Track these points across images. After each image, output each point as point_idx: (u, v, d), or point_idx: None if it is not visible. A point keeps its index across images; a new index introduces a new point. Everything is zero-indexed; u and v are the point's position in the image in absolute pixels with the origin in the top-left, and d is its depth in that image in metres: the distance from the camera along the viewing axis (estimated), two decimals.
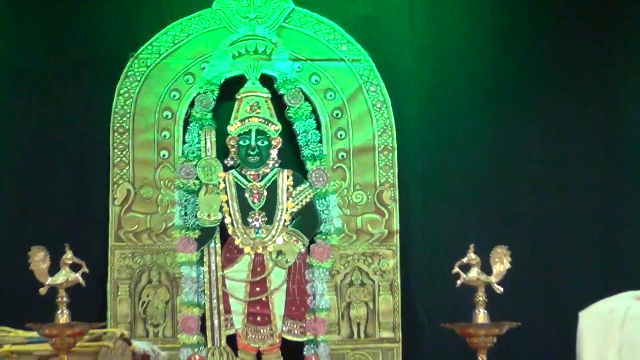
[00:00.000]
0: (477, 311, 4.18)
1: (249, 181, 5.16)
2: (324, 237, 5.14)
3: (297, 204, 5.16)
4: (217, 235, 5.11)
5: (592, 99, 5.39)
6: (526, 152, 5.38)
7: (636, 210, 5.29)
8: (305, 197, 5.18)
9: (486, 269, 4.40)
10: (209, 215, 5.08)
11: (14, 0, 5.33)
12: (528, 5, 5.42)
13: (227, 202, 5.13)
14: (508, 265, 4.38)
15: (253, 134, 5.15)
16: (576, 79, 5.38)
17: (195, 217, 5.08)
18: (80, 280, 4.38)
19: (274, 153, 5.20)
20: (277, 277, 5.09)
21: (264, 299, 5.05)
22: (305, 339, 5.06)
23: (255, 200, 5.14)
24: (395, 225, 5.19)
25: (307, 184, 5.17)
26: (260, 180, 5.18)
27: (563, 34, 5.42)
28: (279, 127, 5.18)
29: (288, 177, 5.19)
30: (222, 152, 5.21)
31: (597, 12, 5.42)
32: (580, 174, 5.33)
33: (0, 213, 5.15)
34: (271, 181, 5.19)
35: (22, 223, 5.13)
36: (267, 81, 5.25)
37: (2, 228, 5.14)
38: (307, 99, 5.24)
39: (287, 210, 5.15)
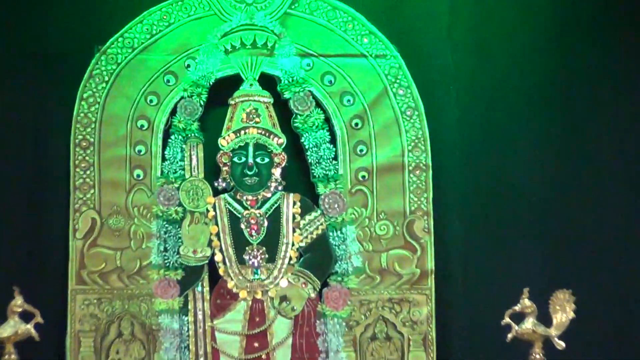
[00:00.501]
0: None
1: (245, 208, 5.11)
2: (339, 279, 5.10)
3: (306, 237, 5.12)
4: (206, 276, 5.08)
5: None
6: (593, 171, 5.37)
7: None
8: (316, 228, 5.14)
9: (544, 318, 4.60)
10: (194, 251, 5.02)
11: None
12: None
13: (217, 234, 5.08)
14: (572, 315, 4.58)
15: (250, 149, 5.09)
16: None
17: (178, 253, 5.03)
18: (33, 332, 4.51)
19: (276, 173, 5.15)
20: (280, 329, 5.04)
21: (263, 356, 5.01)
22: None
23: (253, 233, 5.09)
24: (430, 264, 5.16)
25: (319, 211, 5.13)
26: (259, 207, 5.13)
27: (634, 28, 5.44)
28: (284, 140, 5.12)
29: (294, 203, 5.15)
30: (212, 171, 5.16)
31: None
32: None
33: None
34: (273, 208, 5.15)
35: None
36: (268, 82, 5.22)
37: None
38: (318, 104, 5.22)
39: (293, 244, 5.10)
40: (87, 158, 5.14)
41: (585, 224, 5.33)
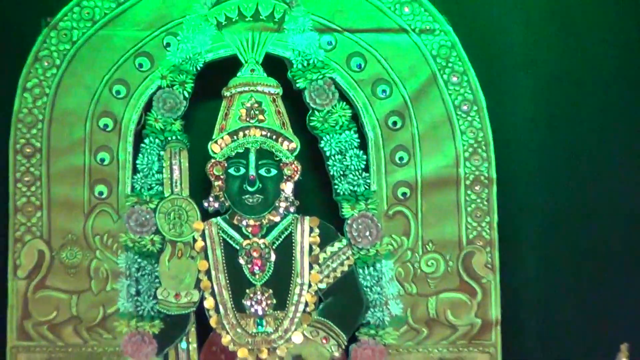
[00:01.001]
0: None
1: (245, 237, 4.97)
2: (373, 331, 4.96)
3: (328, 276, 4.98)
4: (192, 329, 4.98)
5: None
6: None
7: None
8: (341, 263, 4.99)
9: None
10: (177, 295, 4.91)
11: None
12: None
13: (208, 272, 4.95)
14: None
15: (252, 157, 4.92)
16: None
17: (155, 298, 4.93)
18: None
19: (287, 189, 4.97)
20: None
21: None
22: None
23: (257, 270, 4.94)
24: (494, 312, 5.03)
25: (344, 241, 4.99)
26: (264, 236, 4.99)
27: None
28: (297, 144, 4.96)
29: (312, 229, 5.00)
30: (201, 187, 5.03)
31: None
32: None
33: None
34: (283, 237, 5.01)
35: None
36: (275, 67, 5.10)
37: None
38: (343, 97, 5.08)
39: (310, 286, 4.97)
40: (31, 169, 5.01)
41: None
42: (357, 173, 4.98)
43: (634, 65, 5.42)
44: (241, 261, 4.93)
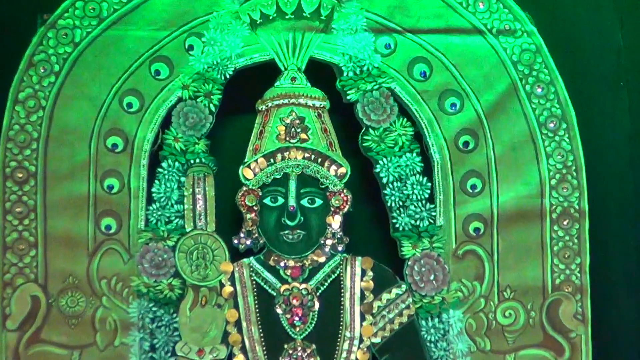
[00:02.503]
0: None
1: (283, 281, 4.38)
2: None
3: (384, 329, 4.35)
4: None
5: None
6: None
7: None
8: (400, 314, 4.37)
9: None
10: (200, 352, 4.30)
11: None
12: None
13: (238, 323, 4.29)
14: None
15: (293, 185, 4.31)
16: None
17: (173, 354, 4.31)
18: None
19: (335, 223, 4.34)
20: None
21: None
22: None
23: (297, 321, 4.33)
24: None
25: (404, 287, 4.37)
26: (306, 280, 4.38)
27: None
28: (347, 169, 4.34)
29: (364, 272, 4.39)
30: (230, 221, 4.40)
31: None
32: None
33: None
34: (329, 281, 4.38)
35: None
36: (322, 75, 4.44)
37: None
38: (404, 111, 4.41)
39: (362, 341, 4.31)
40: (24, 198, 4.37)
41: None
42: (419, 204, 4.37)
43: None
44: (278, 310, 4.34)
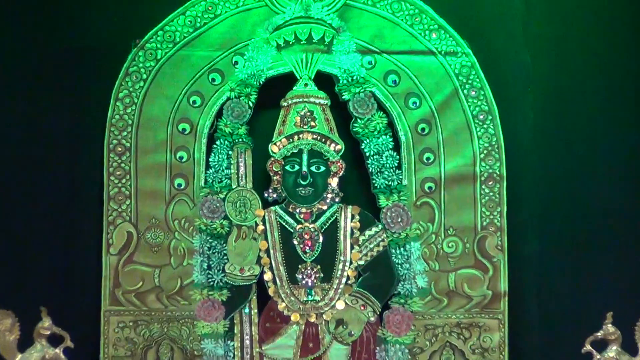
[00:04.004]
0: None
1: (298, 222, 5.18)
2: (402, 301, 5.15)
3: (366, 255, 5.16)
4: (254, 297, 5.16)
5: None
6: None
7: None
8: (377, 244, 5.17)
9: (630, 347, 4.75)
10: (241, 270, 5.11)
11: None
12: None
13: (267, 251, 5.14)
14: None
15: (305, 157, 5.14)
16: None
17: (223, 271, 5.12)
18: (62, 357, 4.70)
19: (333, 183, 5.18)
20: (336, 356, 5.12)
21: None
22: None
23: (307, 249, 5.14)
24: (503, 285, 5.21)
25: (380, 226, 5.17)
26: (314, 221, 5.18)
27: None
28: (342, 146, 5.17)
29: (353, 216, 5.18)
30: (261, 181, 5.25)
31: None
32: None
33: None
34: (329, 222, 5.20)
35: None
36: (325, 82, 5.28)
37: None
38: (381, 107, 5.26)
39: (351, 262, 5.14)
40: (122, 165, 5.21)
41: None
42: (391, 170, 5.17)
43: (620, 75, 5.46)
44: (295, 242, 5.14)
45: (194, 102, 5.26)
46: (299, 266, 5.15)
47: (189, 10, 5.24)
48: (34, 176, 5.27)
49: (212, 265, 5.15)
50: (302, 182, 5.13)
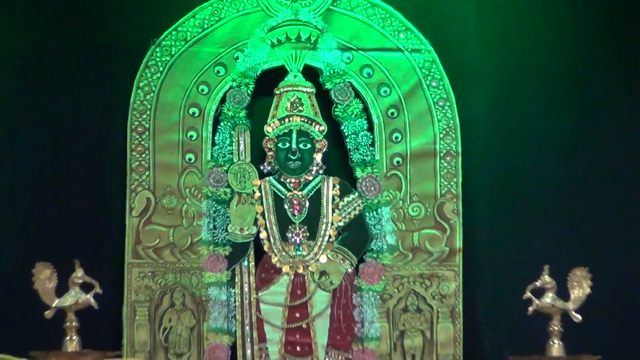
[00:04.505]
0: (551, 342, 4.52)
1: (288, 190, 5.38)
2: (375, 255, 5.35)
3: (344, 217, 5.36)
4: (251, 252, 5.33)
5: None
6: (610, 158, 5.60)
7: None
8: (354, 209, 5.37)
9: (563, 294, 4.70)
10: (241, 229, 5.30)
11: None
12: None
13: (262, 214, 5.34)
14: (588, 290, 4.67)
15: (294, 136, 5.35)
16: None
17: (226, 231, 5.30)
18: (92, 302, 4.71)
19: (318, 158, 5.40)
20: (320, 301, 5.32)
21: (304, 326, 5.30)
22: None
23: (296, 212, 5.36)
24: (458, 243, 5.41)
25: (356, 194, 5.38)
26: (301, 189, 5.39)
27: None
28: (324, 127, 5.37)
29: (334, 185, 5.39)
30: (258, 156, 5.41)
31: None
32: None
33: (3, 225, 5.44)
34: (314, 190, 5.40)
35: (27, 236, 5.40)
36: (311, 74, 5.44)
37: (5, 242, 5.41)
38: (357, 95, 5.44)
39: (332, 224, 5.35)
40: (142, 142, 5.38)
41: (601, 205, 5.53)
42: (366, 147, 5.37)
43: (555, 68, 5.63)
44: (285, 207, 5.35)
45: (202, 90, 5.41)
46: (289, 227, 5.33)
47: (198, 14, 5.43)
48: (71, 152, 5.43)
49: (217, 226, 5.29)
50: (292, 157, 5.33)
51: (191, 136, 5.44)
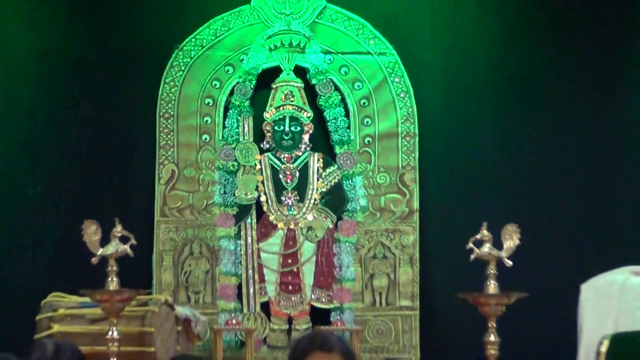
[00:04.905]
0: (488, 283, 4.73)
1: (282, 163, 6.19)
2: (350, 214, 6.16)
3: (327, 184, 6.16)
4: (253, 212, 6.15)
5: (598, 92, 6.41)
6: (536, 139, 6.36)
7: (633, 195, 6.37)
8: (334, 178, 6.17)
9: (497, 244, 4.93)
10: (246, 194, 6.11)
11: None
12: (534, 5, 6.46)
13: (262, 182, 6.14)
14: (517, 242, 4.89)
15: (287, 121, 6.16)
16: (583, 73, 6.39)
17: (234, 195, 6.10)
18: (129, 251, 4.92)
19: (306, 138, 6.19)
20: (307, 250, 6.16)
21: (295, 269, 6.16)
22: (332, 306, 6.13)
23: (289, 181, 6.17)
24: (416, 205, 6.20)
25: (336, 166, 6.19)
26: (293, 163, 6.18)
27: (569, 31, 6.37)
28: (311, 114, 6.19)
29: (318, 159, 6.20)
30: (259, 136, 6.19)
31: (609, 6, 6.50)
32: (584, 159, 6.36)
33: (58, 191, 6.22)
34: (303, 163, 6.19)
35: (78, 199, 6.19)
36: (300, 72, 6.23)
37: (60, 204, 6.16)
38: (336, 88, 6.22)
39: (317, 189, 6.15)
40: (168, 126, 6.18)
41: (527, 176, 6.27)
42: (343, 130, 6.18)
43: (493, 65, 6.29)
44: (280, 176, 6.17)
45: (215, 84, 6.19)
46: (283, 192, 6.16)
47: (212, 25, 6.24)
48: (112, 135, 6.20)
49: (227, 191, 6.08)
50: (285, 137, 6.14)
51: (206, 121, 6.23)
